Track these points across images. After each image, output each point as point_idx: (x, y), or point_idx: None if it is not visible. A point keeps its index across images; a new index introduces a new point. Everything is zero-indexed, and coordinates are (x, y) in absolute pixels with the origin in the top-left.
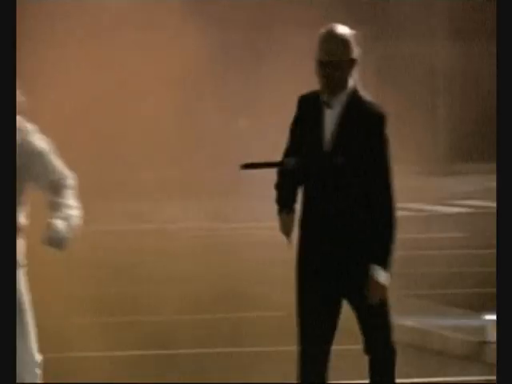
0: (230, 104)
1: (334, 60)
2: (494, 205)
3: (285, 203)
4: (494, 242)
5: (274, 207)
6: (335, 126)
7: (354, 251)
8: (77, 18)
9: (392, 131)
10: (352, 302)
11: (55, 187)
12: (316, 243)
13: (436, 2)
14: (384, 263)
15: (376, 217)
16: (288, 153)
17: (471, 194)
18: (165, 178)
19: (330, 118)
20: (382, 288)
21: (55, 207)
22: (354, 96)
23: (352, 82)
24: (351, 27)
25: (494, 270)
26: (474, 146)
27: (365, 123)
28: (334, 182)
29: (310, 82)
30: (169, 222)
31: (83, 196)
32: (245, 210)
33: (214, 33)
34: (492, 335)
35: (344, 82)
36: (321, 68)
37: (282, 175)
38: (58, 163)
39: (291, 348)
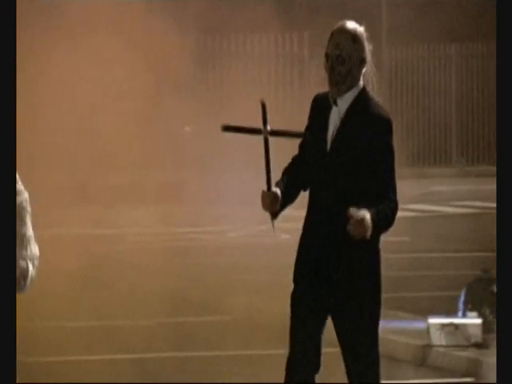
0: (184, 109)
1: (342, 54)
2: (438, 208)
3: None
4: (436, 245)
5: (223, 211)
6: (339, 123)
7: (346, 261)
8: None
9: None
10: (336, 321)
11: (18, 212)
12: (312, 247)
13: (381, 4)
14: (374, 217)
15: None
16: (299, 151)
17: (417, 198)
18: (118, 184)
19: (335, 116)
20: (363, 225)
21: (23, 242)
22: (362, 96)
23: (361, 82)
24: (297, 32)
25: (438, 273)
26: (428, 151)
27: (368, 125)
28: (334, 181)
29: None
30: (118, 227)
31: (42, 200)
32: (194, 214)
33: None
34: (436, 339)
35: (352, 79)
36: (328, 61)
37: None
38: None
39: (236, 352)
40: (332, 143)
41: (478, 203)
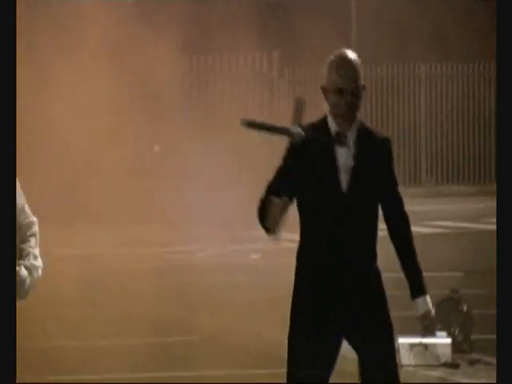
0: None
1: (355, 86)
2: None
3: (275, 191)
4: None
5: (191, 232)
6: (351, 160)
7: (359, 282)
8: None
9: None
10: (352, 342)
11: (23, 232)
12: (322, 274)
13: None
14: (424, 287)
15: (401, 235)
16: (275, 186)
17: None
18: (86, 206)
19: (344, 152)
20: (431, 313)
21: (23, 254)
22: (362, 126)
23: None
24: (267, 50)
25: (407, 293)
26: (397, 171)
27: (379, 152)
28: (353, 216)
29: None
30: (87, 248)
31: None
32: (164, 234)
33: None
34: (406, 359)
35: (357, 110)
36: (341, 96)
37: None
38: (25, 203)
39: (206, 373)
40: (350, 181)
41: (447, 223)
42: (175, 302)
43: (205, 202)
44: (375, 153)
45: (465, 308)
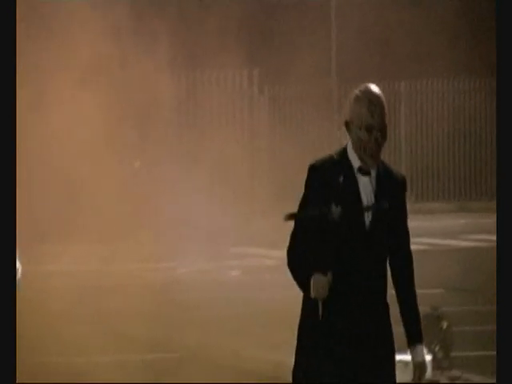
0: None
1: (384, 124)
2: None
3: (318, 263)
4: None
5: (173, 248)
6: (373, 197)
7: (373, 317)
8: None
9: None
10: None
11: None
12: (340, 308)
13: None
14: (422, 335)
15: (404, 274)
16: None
17: None
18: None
19: (367, 186)
20: (425, 366)
21: None
22: (381, 162)
23: None
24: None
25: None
26: None
27: (397, 188)
28: (375, 247)
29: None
30: (64, 264)
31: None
32: (144, 250)
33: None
34: None
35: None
36: (370, 133)
37: (302, 236)
38: None
39: None
40: (372, 219)
41: (427, 240)
42: (157, 319)
43: (187, 219)
44: (394, 190)
45: (445, 325)
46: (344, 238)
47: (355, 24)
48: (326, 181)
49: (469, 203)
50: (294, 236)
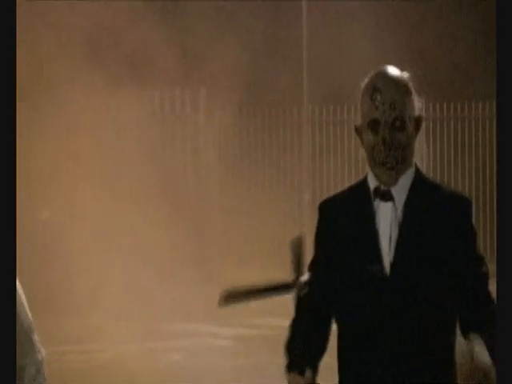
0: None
1: (398, 116)
2: None
3: (300, 357)
4: None
5: (94, 324)
6: (397, 227)
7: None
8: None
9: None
10: None
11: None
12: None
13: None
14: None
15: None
16: (318, 268)
17: None
18: None
19: (388, 214)
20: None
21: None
22: (419, 179)
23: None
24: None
25: None
26: None
27: (445, 219)
28: (401, 301)
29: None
30: None
31: None
32: (56, 329)
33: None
34: None
35: (410, 154)
36: (379, 132)
37: (301, 309)
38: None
39: None
40: (395, 254)
41: None
42: None
43: (111, 287)
44: (439, 218)
45: None
46: (353, 290)
47: (325, 49)
48: (337, 221)
49: None
50: (299, 307)
